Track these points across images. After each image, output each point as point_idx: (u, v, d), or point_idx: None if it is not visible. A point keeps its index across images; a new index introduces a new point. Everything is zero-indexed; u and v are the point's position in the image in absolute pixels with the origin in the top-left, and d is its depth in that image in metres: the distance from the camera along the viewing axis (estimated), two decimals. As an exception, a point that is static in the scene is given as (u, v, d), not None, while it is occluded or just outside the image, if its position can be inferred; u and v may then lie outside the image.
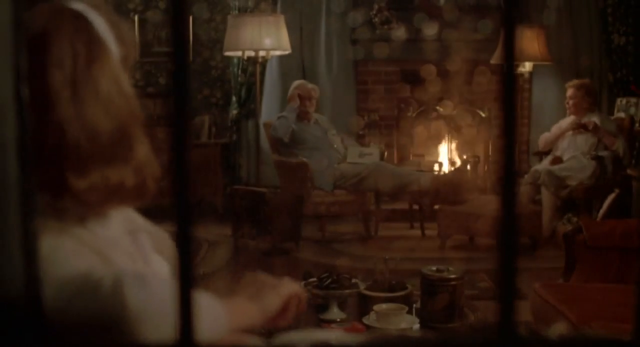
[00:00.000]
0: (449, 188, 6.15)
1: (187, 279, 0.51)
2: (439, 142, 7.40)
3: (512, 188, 0.51)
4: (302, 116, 6.31)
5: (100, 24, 1.23)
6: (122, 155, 1.19)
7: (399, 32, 7.20)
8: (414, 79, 7.41)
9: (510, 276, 0.55)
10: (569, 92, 6.32)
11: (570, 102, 6.30)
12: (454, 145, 7.36)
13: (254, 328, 1.34)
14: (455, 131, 7.30)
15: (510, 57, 0.52)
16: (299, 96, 6.33)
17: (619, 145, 6.04)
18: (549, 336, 0.61)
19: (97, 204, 1.19)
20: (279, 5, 7.23)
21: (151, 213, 1.41)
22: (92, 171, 1.15)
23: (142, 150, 1.23)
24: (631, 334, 0.54)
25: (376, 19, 7.27)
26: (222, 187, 7.17)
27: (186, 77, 0.51)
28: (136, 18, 7.54)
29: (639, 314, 0.52)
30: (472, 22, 7.06)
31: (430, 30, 7.13)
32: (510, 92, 0.51)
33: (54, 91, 1.15)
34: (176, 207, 0.52)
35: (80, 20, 1.22)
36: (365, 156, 6.27)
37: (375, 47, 7.30)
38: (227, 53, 6.53)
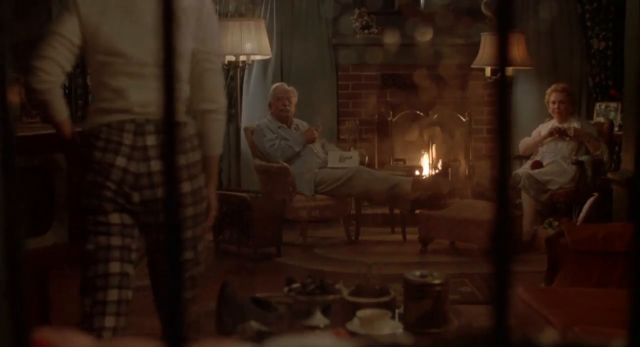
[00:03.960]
0: (430, 193, 6.15)
1: (178, 281, 0.50)
2: (420, 146, 7.39)
3: (505, 193, 0.50)
4: (282, 120, 6.29)
5: None
6: None
7: (380, 37, 7.22)
8: (395, 84, 7.43)
9: (503, 280, 0.54)
10: (555, 96, 6.29)
11: (557, 105, 6.27)
12: (434, 150, 7.35)
13: None
14: (441, 135, 7.29)
15: (503, 63, 0.51)
16: (278, 97, 6.30)
17: (604, 150, 6.06)
18: (542, 342, 0.60)
19: None
20: (259, 10, 7.21)
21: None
22: None
23: None
24: (625, 340, 0.54)
25: (357, 24, 7.27)
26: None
27: (173, 84, 0.50)
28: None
29: (632, 319, 0.51)
30: (454, 27, 7.08)
31: (412, 35, 7.14)
32: (503, 98, 0.50)
33: None
34: (166, 213, 0.51)
35: None
36: (346, 160, 6.25)
37: (356, 52, 7.32)
38: (208, 57, 6.49)
